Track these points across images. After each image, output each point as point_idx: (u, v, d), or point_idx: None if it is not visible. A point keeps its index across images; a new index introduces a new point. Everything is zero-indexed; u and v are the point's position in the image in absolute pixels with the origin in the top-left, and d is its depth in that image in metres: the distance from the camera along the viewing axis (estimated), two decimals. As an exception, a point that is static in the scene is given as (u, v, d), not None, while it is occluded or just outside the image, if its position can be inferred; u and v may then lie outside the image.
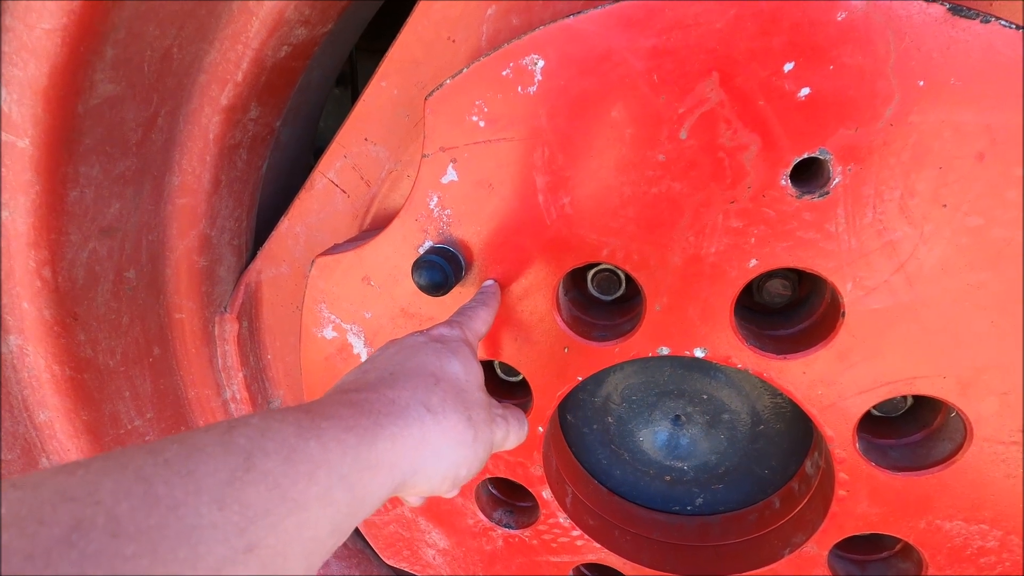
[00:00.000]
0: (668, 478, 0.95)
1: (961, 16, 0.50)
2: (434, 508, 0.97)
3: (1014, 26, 0.50)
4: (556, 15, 0.70)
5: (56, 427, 0.79)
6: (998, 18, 0.50)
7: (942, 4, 0.50)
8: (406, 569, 1.07)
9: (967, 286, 0.59)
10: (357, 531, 1.24)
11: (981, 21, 0.50)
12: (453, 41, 0.75)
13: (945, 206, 0.57)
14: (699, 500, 0.96)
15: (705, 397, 0.88)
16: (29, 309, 0.70)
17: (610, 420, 0.94)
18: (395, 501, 0.99)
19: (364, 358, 0.87)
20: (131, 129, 0.67)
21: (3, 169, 0.60)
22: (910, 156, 0.56)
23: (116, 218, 0.73)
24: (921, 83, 0.53)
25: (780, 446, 0.89)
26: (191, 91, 0.71)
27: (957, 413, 0.66)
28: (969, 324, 0.60)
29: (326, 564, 1.24)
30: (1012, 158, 0.54)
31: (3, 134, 0.58)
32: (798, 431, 0.88)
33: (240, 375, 1.02)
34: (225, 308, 0.98)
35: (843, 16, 0.53)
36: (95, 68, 0.57)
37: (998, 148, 0.53)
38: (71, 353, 0.76)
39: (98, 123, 0.62)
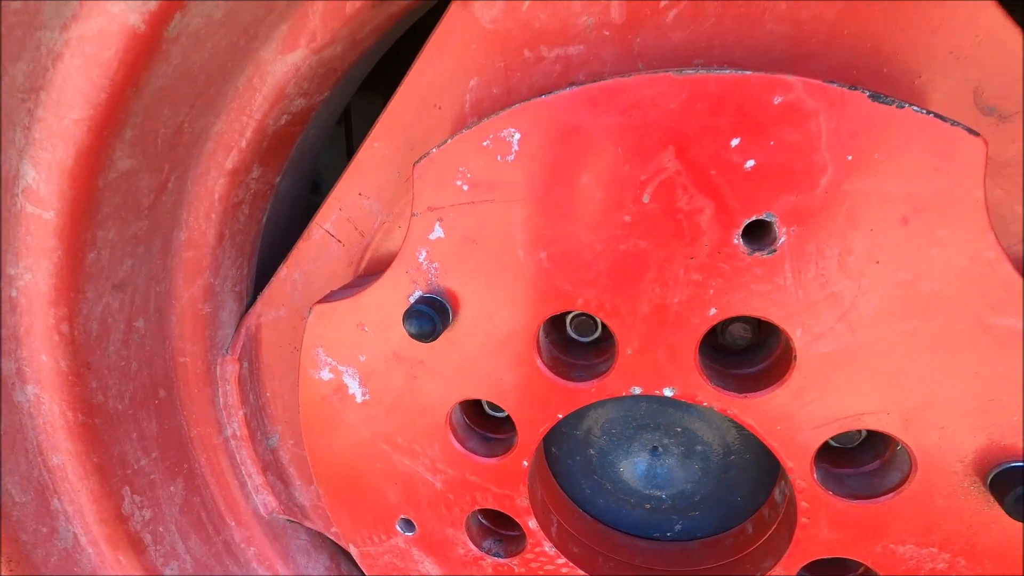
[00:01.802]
0: (648, 506, 1.00)
1: (879, 102, 0.58)
2: (427, 539, 1.02)
3: (924, 111, 0.57)
4: (532, 89, 0.77)
5: (68, 470, 0.84)
6: (911, 104, 0.57)
7: (863, 92, 0.58)
8: (400, 598, 1.10)
9: (902, 332, 0.66)
10: (354, 561, 1.28)
11: (897, 106, 0.58)
12: (439, 108, 0.83)
13: (878, 262, 0.63)
14: (678, 526, 1.01)
15: (679, 430, 0.94)
16: (47, 361, 0.75)
17: (592, 452, 1.00)
18: (389, 532, 1.04)
19: (359, 399, 0.93)
20: (144, 195, 0.73)
21: (28, 237, 0.66)
22: (845, 219, 0.63)
23: (128, 274, 0.79)
24: (850, 157, 0.60)
25: (750, 475, 0.95)
26: (199, 158, 0.78)
27: (904, 445, 0.72)
28: (906, 366, 0.67)
29: (323, 594, 1.27)
30: (933, 221, 0.61)
31: (29, 207, 0.64)
32: (766, 461, 0.94)
33: (240, 413, 1.07)
34: (226, 350, 1.03)
35: (780, 100, 0.60)
36: (115, 148, 0.64)
37: (920, 213, 0.61)
38: (84, 400, 0.81)
39: (115, 193, 0.69)
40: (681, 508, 0.99)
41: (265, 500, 1.15)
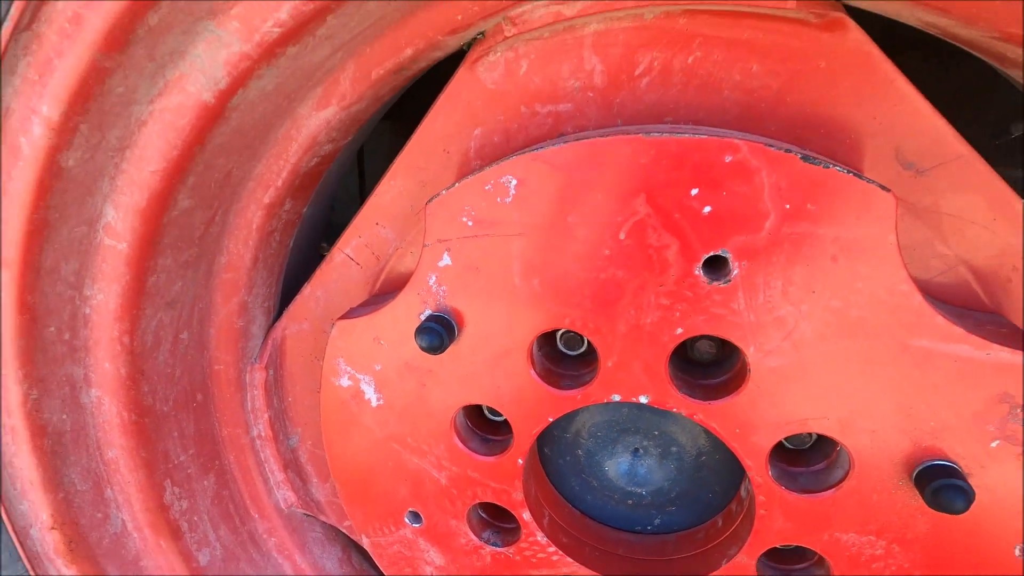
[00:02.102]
0: (630, 502, 1.12)
1: (809, 162, 0.71)
2: (432, 530, 1.13)
3: (846, 170, 0.70)
4: (528, 139, 0.90)
5: (120, 463, 0.96)
6: (836, 164, 0.70)
7: (796, 153, 0.71)
8: (407, 585, 1.22)
9: (837, 351, 0.78)
10: (364, 553, 1.39)
11: (823, 167, 0.70)
12: (448, 152, 0.96)
13: (814, 292, 0.76)
14: (657, 520, 1.13)
15: (657, 433, 1.06)
16: (109, 368, 0.88)
17: (580, 453, 1.12)
18: (398, 524, 1.16)
19: (374, 403, 1.05)
20: (196, 227, 0.86)
21: (104, 264, 0.78)
22: (786, 257, 0.75)
23: (178, 293, 0.92)
24: (787, 206, 0.73)
25: (720, 474, 1.07)
26: (241, 195, 0.91)
27: (842, 446, 0.84)
28: (841, 379, 0.79)
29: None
30: (856, 260, 0.73)
31: (107, 240, 0.77)
32: (733, 462, 1.06)
33: (265, 416, 1.20)
34: (255, 359, 1.16)
35: (730, 158, 0.73)
36: (180, 192, 0.76)
37: (846, 253, 0.73)
38: (136, 402, 0.94)
39: (175, 227, 0.81)
40: (659, 504, 1.11)
41: (285, 495, 1.27)
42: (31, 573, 0.92)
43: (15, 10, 0.55)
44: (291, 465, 1.29)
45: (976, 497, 0.77)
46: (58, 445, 0.87)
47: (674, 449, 1.07)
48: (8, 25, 0.56)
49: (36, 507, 0.88)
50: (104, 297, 0.81)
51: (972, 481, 0.78)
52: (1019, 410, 0.75)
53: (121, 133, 0.69)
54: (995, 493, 0.79)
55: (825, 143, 0.82)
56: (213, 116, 0.71)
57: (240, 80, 0.69)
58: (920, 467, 0.81)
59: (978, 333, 0.75)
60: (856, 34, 0.73)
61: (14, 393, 0.79)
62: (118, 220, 0.75)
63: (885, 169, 0.80)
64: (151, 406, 0.96)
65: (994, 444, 0.77)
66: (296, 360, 1.21)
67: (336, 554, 1.36)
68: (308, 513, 1.33)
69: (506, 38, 0.82)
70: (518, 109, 0.89)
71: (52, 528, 0.89)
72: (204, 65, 0.66)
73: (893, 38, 0.89)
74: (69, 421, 0.87)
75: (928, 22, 0.70)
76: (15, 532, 0.88)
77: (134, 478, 0.98)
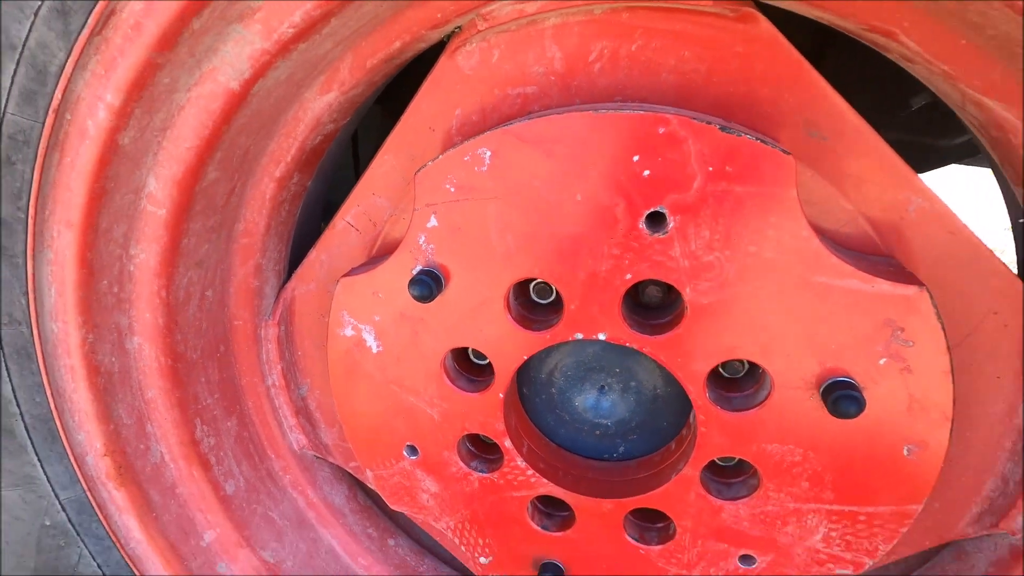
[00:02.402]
0: (598, 432, 1.30)
1: (726, 132, 0.87)
2: (427, 461, 1.31)
3: (756, 137, 0.86)
4: (501, 117, 1.05)
5: (159, 402, 1.13)
6: (748, 133, 0.86)
7: (716, 125, 0.87)
8: (407, 511, 1.40)
9: (755, 288, 0.95)
10: (366, 489, 1.57)
11: (737, 135, 0.86)
12: (433, 130, 1.11)
13: (734, 239, 0.92)
14: (621, 448, 1.31)
15: (618, 371, 1.23)
16: (149, 318, 1.03)
17: (554, 392, 1.29)
18: (398, 457, 1.33)
19: (375, 350, 1.21)
20: (220, 197, 1.01)
21: (146, 228, 0.94)
22: (710, 211, 0.91)
23: (205, 255, 1.07)
24: (710, 169, 0.89)
25: (673, 405, 1.24)
26: (256, 169, 1.06)
27: (764, 369, 1.02)
28: (760, 312, 0.96)
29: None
30: (766, 212, 0.89)
31: (149, 206, 0.92)
32: (684, 393, 1.23)
33: (278, 367, 1.36)
34: (268, 316, 1.32)
35: (663, 130, 0.89)
36: (209, 165, 0.91)
37: (758, 206, 0.89)
38: (171, 349, 1.10)
39: (203, 196, 0.96)
40: (622, 433, 1.28)
41: (297, 438, 1.45)
42: (88, 495, 1.09)
43: (91, 20, 0.70)
44: (302, 412, 1.45)
45: (868, 406, 0.94)
46: (108, 384, 1.02)
47: (633, 385, 1.24)
48: (85, 32, 0.71)
49: (91, 436, 1.04)
50: (146, 256, 0.97)
51: (866, 394, 0.96)
52: (900, 332, 0.92)
53: (164, 116, 0.84)
54: (885, 402, 0.96)
55: (747, 116, 0.98)
56: (238, 101, 0.85)
57: (261, 71, 0.84)
58: (825, 384, 0.98)
59: (871, 272, 0.92)
60: (765, 25, 0.89)
61: (74, 337, 0.94)
62: (159, 189, 0.90)
63: (796, 137, 0.96)
64: (183, 353, 1.12)
65: (882, 362, 0.94)
66: (305, 318, 1.37)
67: (343, 491, 1.54)
68: (318, 455, 1.51)
69: (479, 31, 0.97)
70: (492, 91, 1.04)
71: (104, 455, 1.06)
72: (232, 59, 0.81)
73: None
74: (117, 363, 1.03)
75: (819, 16, 0.86)
76: (74, 458, 1.04)
77: (170, 416, 1.15)
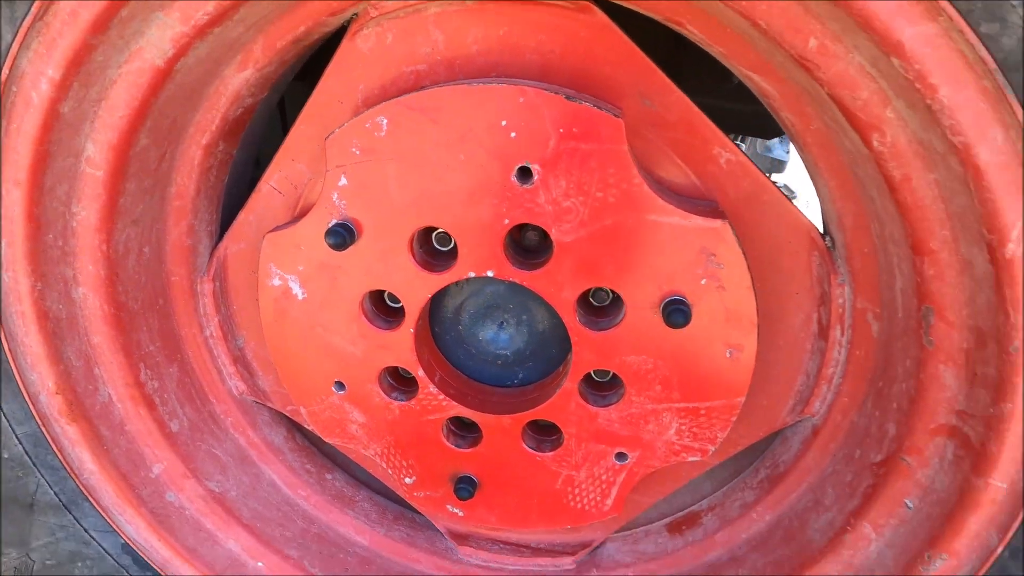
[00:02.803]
0: (499, 362, 1.53)
1: (571, 100, 1.09)
2: (353, 395, 1.50)
3: (593, 104, 1.09)
4: (398, 90, 1.24)
5: (104, 347, 1.27)
6: (587, 100, 1.09)
7: (562, 94, 1.09)
8: (338, 444, 1.60)
9: (605, 226, 1.18)
10: (304, 430, 1.75)
11: (579, 103, 1.09)
12: (342, 103, 1.29)
13: (584, 187, 1.16)
14: (520, 375, 1.54)
15: (512, 306, 1.46)
16: (92, 270, 1.18)
17: (461, 328, 1.51)
18: (327, 393, 1.52)
19: (300, 297, 1.39)
20: (152, 161, 1.16)
21: (85, 188, 1.08)
22: (564, 165, 1.14)
23: (140, 214, 1.22)
24: (561, 130, 1.11)
25: (561, 335, 1.48)
26: (184, 137, 1.21)
27: (618, 294, 1.26)
28: (611, 247, 1.20)
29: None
30: (605, 163, 1.13)
31: (88, 169, 1.06)
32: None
33: (215, 320, 1.52)
34: (203, 273, 1.48)
35: (522, 99, 1.10)
36: (140, 133, 1.07)
37: (598, 160, 1.12)
38: (114, 298, 1.25)
39: (137, 160, 1.11)
40: (520, 362, 1.52)
41: (236, 384, 1.61)
42: (42, 430, 1.23)
43: (33, 9, 0.85)
44: (240, 360, 1.62)
45: (694, 318, 1.20)
46: (57, 328, 1.17)
47: (526, 319, 1.47)
48: (28, 18, 0.86)
49: (43, 376, 1.18)
50: (86, 213, 1.11)
51: (694, 309, 1.22)
52: (713, 257, 1.18)
53: (99, 88, 0.98)
54: (708, 315, 1.22)
55: (598, 89, 1.21)
56: (163, 76, 1.01)
57: (182, 51, 0.99)
58: (663, 302, 1.23)
59: (689, 210, 1.17)
60: (600, 16, 1.11)
61: (23, 284, 1.08)
62: (96, 153, 1.04)
63: (634, 106, 1.20)
64: (125, 303, 1.27)
65: (703, 282, 1.20)
66: (238, 275, 1.53)
67: (283, 432, 1.72)
68: (256, 400, 1.68)
69: (372, 18, 1.15)
70: (388, 69, 1.23)
71: (56, 393, 1.21)
72: (156, 41, 0.96)
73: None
74: (64, 311, 1.17)
75: (640, 9, 1.09)
76: (28, 396, 1.18)
77: (115, 359, 1.30)
